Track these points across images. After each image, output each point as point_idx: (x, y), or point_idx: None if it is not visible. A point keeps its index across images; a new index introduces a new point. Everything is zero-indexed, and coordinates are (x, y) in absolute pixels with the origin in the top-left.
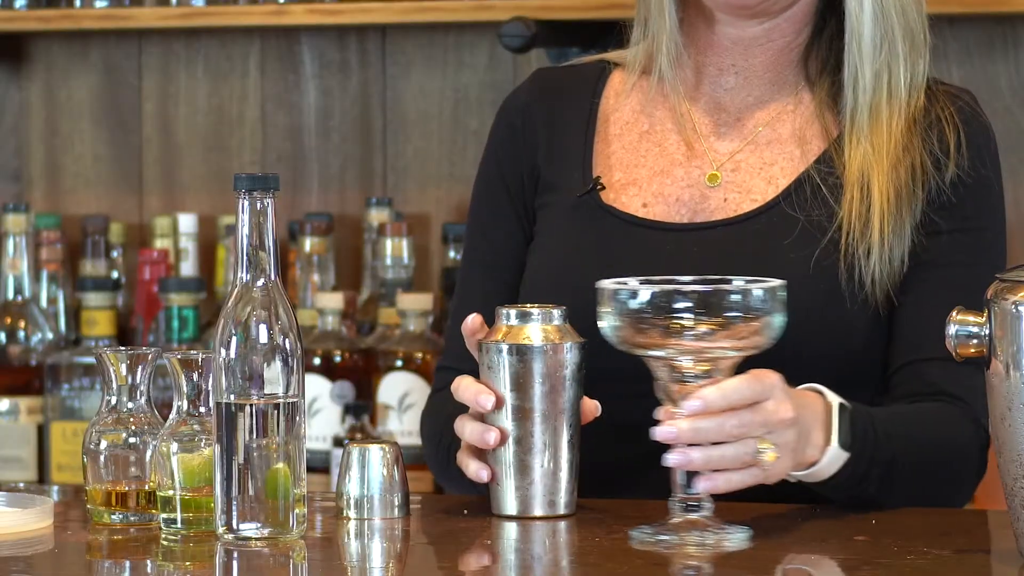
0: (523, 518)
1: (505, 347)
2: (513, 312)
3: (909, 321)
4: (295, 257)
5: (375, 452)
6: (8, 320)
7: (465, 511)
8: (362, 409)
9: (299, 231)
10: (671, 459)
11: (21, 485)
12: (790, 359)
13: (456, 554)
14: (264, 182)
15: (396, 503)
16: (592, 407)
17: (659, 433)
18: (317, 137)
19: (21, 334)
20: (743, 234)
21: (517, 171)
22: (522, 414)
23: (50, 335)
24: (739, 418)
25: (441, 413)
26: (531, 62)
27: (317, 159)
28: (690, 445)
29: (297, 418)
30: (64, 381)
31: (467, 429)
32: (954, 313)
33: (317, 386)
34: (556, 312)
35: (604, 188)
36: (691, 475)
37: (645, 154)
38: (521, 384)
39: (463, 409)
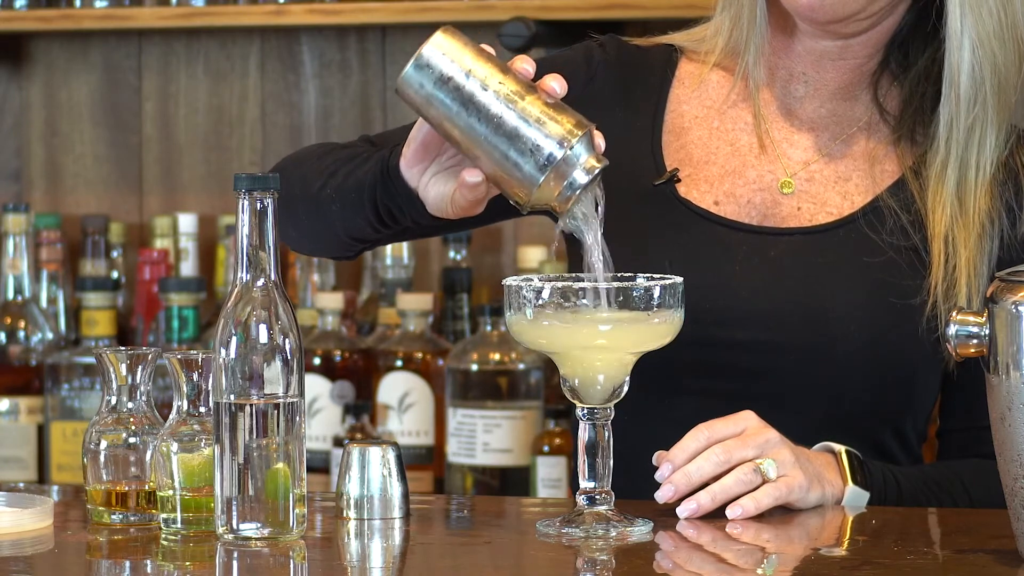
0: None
1: None
2: None
3: (973, 384)
4: (295, 257)
5: (375, 452)
6: (8, 320)
7: (465, 511)
8: (362, 409)
9: None
10: (683, 512)
11: (21, 485)
12: (840, 370)
13: (456, 554)
14: (264, 182)
15: (396, 503)
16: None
17: (660, 496)
18: (317, 137)
19: (21, 334)
20: (821, 245)
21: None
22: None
23: (50, 335)
24: (722, 445)
25: (358, 157)
26: None
27: None
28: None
29: (297, 418)
30: (64, 381)
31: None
32: (954, 313)
33: (317, 386)
34: None
35: (680, 180)
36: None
37: (716, 151)
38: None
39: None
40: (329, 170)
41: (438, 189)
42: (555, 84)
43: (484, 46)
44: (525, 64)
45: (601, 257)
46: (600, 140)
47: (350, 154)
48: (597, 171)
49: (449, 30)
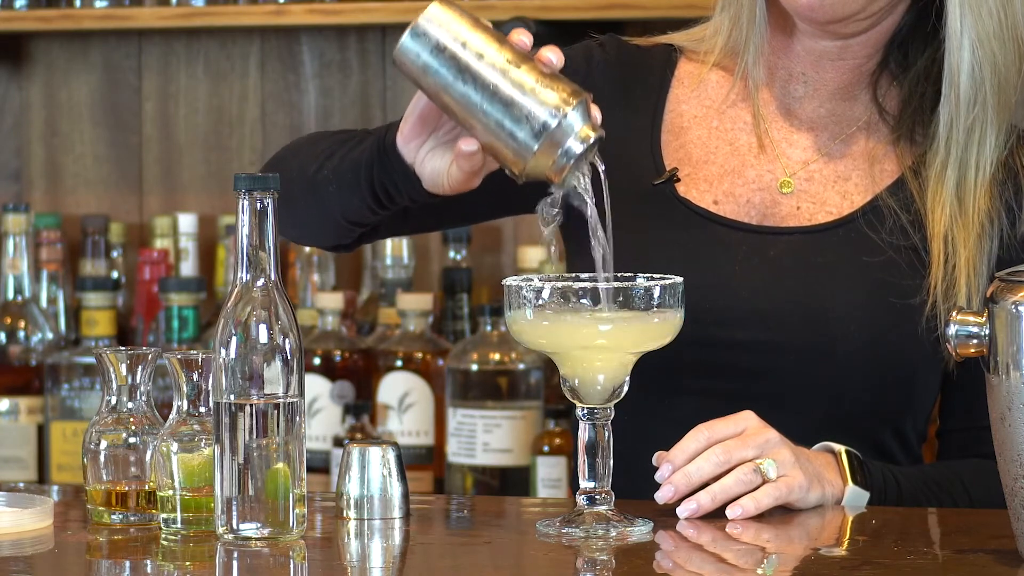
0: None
1: None
2: None
3: (973, 384)
4: (295, 257)
5: (375, 452)
6: (8, 320)
7: (465, 511)
8: (362, 409)
9: None
10: (683, 512)
11: (21, 485)
12: (840, 370)
13: (456, 554)
14: (264, 182)
15: (396, 503)
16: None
17: (660, 496)
18: None
19: (21, 334)
20: (821, 244)
21: None
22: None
23: (50, 335)
24: (722, 445)
25: (354, 139)
26: None
27: None
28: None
29: (297, 418)
30: (64, 381)
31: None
32: (954, 313)
33: (317, 386)
34: None
35: (679, 180)
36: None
37: (715, 151)
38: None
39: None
40: (325, 152)
41: (434, 164)
42: (551, 55)
43: (481, 18)
44: (522, 36)
45: (601, 234)
46: (596, 111)
47: (345, 137)
48: (592, 140)
49: (446, 1)
